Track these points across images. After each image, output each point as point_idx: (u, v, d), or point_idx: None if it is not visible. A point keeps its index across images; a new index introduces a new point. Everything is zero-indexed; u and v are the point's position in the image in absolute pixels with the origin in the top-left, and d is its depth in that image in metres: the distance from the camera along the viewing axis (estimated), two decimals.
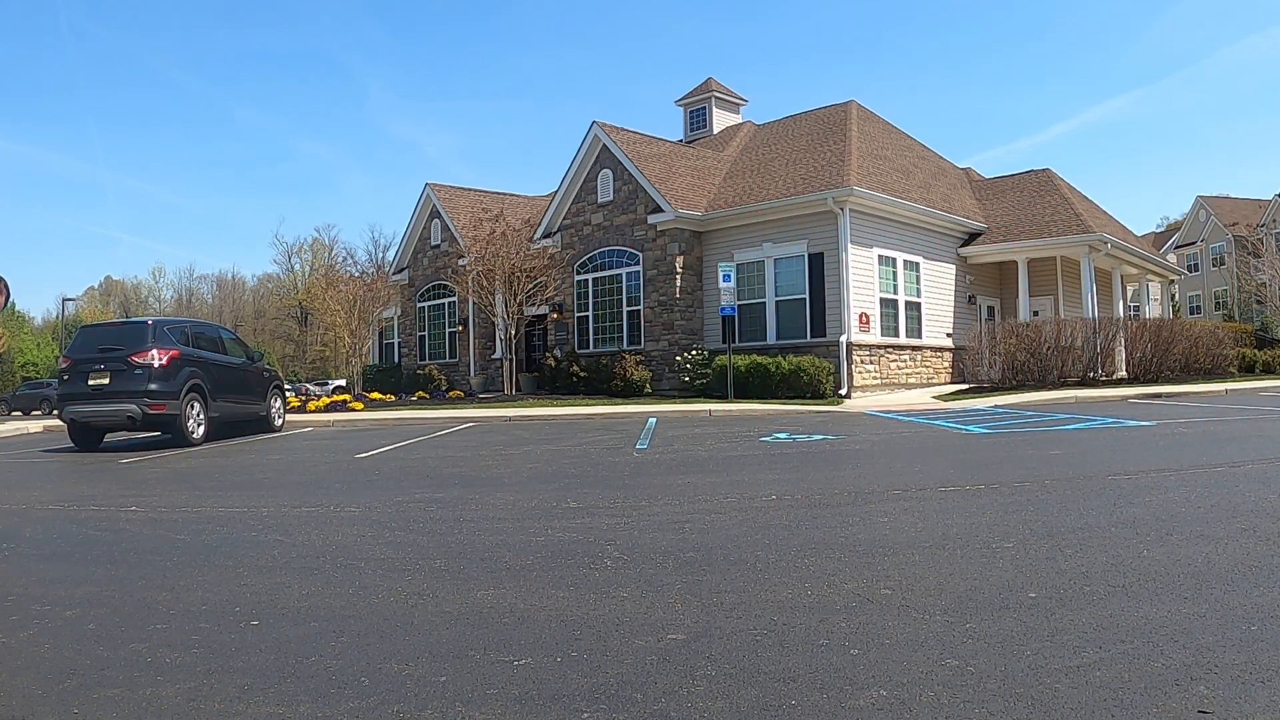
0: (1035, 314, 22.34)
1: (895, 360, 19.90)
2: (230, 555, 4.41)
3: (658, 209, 20.56)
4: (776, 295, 19.85)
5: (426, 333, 28.42)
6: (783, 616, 2.93)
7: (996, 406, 14.61)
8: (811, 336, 19.13)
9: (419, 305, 28.59)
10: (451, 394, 23.06)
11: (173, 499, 6.81)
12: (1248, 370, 24.37)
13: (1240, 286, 47.50)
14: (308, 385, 44.22)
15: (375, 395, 23.59)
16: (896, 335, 20.10)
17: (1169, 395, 15.98)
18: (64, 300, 51.54)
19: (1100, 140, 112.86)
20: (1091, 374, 19.16)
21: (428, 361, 27.85)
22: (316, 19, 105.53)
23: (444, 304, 27.64)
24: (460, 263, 25.00)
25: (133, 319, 12.92)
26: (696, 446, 9.53)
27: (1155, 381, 19.04)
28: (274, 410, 15.24)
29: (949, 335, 21.62)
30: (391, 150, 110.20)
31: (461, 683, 2.42)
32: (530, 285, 22.61)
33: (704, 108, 28.75)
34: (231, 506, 6.22)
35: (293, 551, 4.45)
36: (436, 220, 27.44)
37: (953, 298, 22.11)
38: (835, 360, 18.39)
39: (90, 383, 12.18)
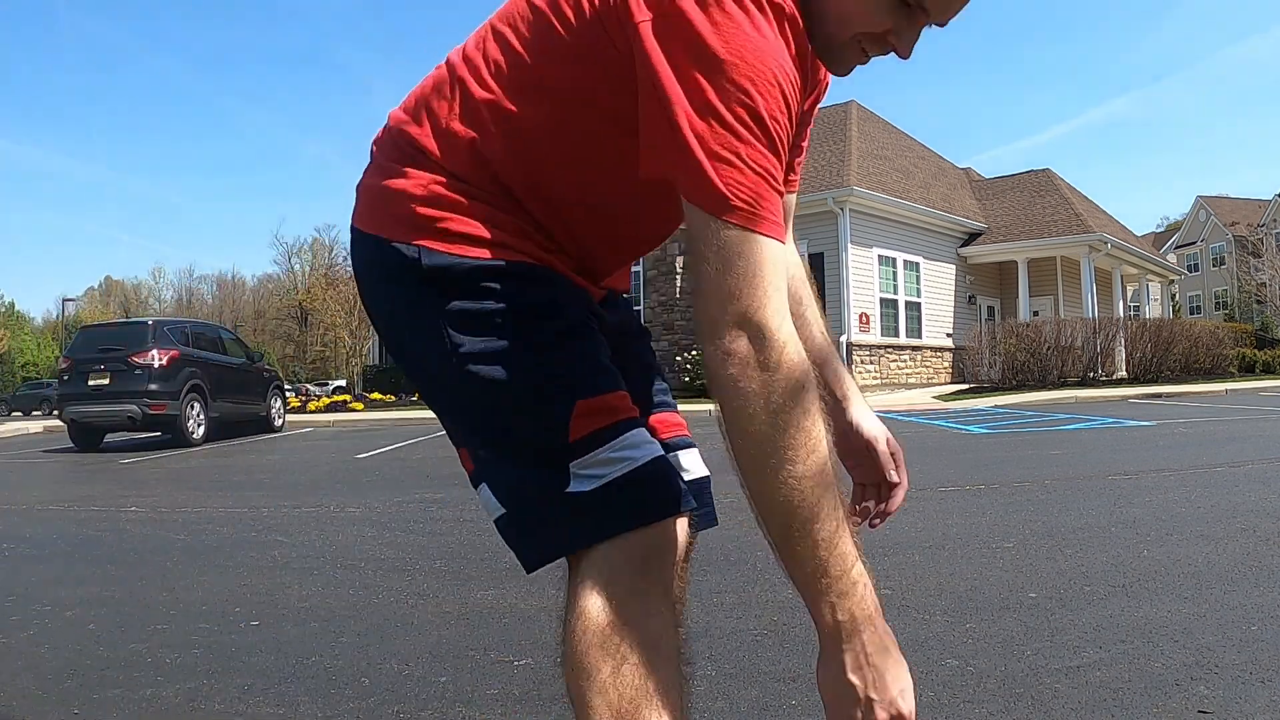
0: (1035, 314, 22.34)
1: (895, 360, 19.90)
2: (230, 555, 4.42)
3: None
4: None
5: None
6: (783, 616, 2.93)
7: (996, 406, 14.62)
8: None
9: None
10: None
11: (173, 499, 6.81)
12: (1248, 370, 24.37)
13: (1240, 286, 47.51)
14: (308, 386, 44.17)
15: (375, 395, 23.60)
16: (896, 335, 20.11)
17: (1169, 395, 15.98)
18: (64, 300, 51.46)
19: (1100, 140, 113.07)
20: (1091, 374, 19.16)
21: None
22: (318, 18, 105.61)
23: None
24: None
25: (133, 319, 12.95)
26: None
27: (1155, 381, 19.05)
28: (274, 410, 15.26)
29: (949, 335, 21.63)
30: None
31: (461, 683, 2.42)
32: None
33: None
34: (231, 507, 6.22)
35: (293, 552, 4.45)
36: None
37: (953, 298, 22.11)
38: None
39: (90, 383, 12.19)
